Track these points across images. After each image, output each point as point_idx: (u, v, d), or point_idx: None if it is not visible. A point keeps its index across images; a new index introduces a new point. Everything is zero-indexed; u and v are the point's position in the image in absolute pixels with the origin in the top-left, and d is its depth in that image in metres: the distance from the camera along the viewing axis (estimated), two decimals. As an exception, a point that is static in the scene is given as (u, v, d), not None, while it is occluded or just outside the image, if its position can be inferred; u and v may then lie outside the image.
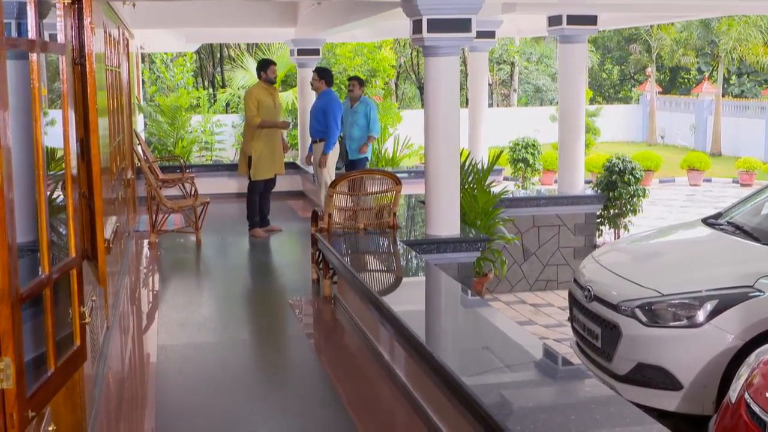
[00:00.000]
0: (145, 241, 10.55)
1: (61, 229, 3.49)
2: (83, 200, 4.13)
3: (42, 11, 3.04)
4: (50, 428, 3.21)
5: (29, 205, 3.10)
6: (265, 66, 10.45)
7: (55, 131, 3.35)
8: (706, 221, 7.16)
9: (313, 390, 5.65)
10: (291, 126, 11.21)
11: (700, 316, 5.64)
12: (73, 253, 3.20)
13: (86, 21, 4.54)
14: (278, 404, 5.38)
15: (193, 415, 5.24)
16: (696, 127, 32.40)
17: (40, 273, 2.89)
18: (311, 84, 11.00)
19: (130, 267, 9.28)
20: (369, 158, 12.22)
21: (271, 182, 10.55)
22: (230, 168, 14.17)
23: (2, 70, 2.42)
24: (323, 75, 10.87)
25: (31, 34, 2.86)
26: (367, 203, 7.91)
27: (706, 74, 36.23)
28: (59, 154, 3.60)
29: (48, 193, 3.18)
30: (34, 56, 2.84)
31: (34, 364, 2.79)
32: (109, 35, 7.94)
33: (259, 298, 8.26)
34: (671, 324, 5.73)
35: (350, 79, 12.45)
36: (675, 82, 42.38)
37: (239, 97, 24.43)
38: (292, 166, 14.22)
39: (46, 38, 3.43)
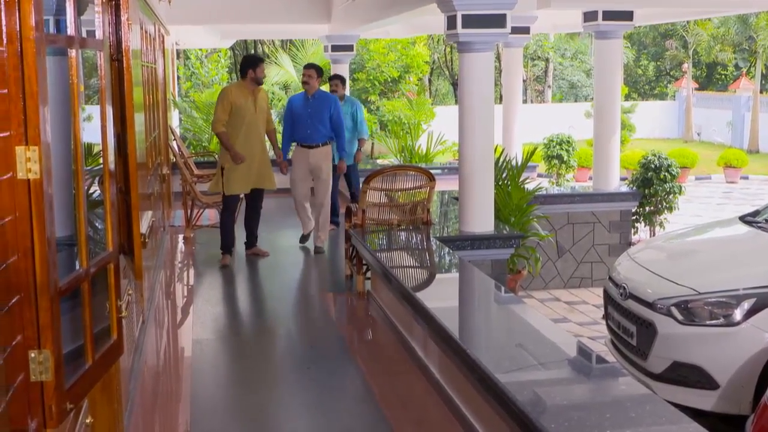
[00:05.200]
0: (180, 236, 10.64)
1: (97, 224, 3.52)
2: (120, 195, 4.17)
3: (80, 7, 3.07)
4: (87, 420, 3.24)
5: (67, 200, 3.13)
6: (254, 63, 8.77)
7: (91, 127, 3.38)
8: (744, 219, 7.08)
9: (346, 385, 5.66)
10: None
11: (737, 314, 5.57)
12: (111, 247, 3.22)
13: (123, 17, 4.59)
14: (311, 399, 5.40)
15: (226, 409, 5.27)
16: (733, 123, 32.04)
17: (77, 267, 2.92)
18: (307, 82, 9.29)
19: (165, 261, 9.35)
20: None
21: (254, 198, 9.03)
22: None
23: (42, 67, 2.44)
24: (322, 74, 9.54)
25: (70, 30, 2.89)
26: (400, 199, 7.91)
27: (744, 70, 35.80)
28: (96, 149, 3.63)
29: (85, 188, 3.21)
30: (73, 52, 2.87)
31: (71, 357, 2.81)
32: (146, 31, 7.99)
33: (292, 294, 8.28)
34: (708, 323, 5.67)
35: (332, 78, 10.95)
36: (712, 78, 41.92)
37: (273, 93, 24.52)
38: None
39: (84, 35, 3.46)
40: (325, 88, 10.27)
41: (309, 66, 9.44)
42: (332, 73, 11.29)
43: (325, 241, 9.52)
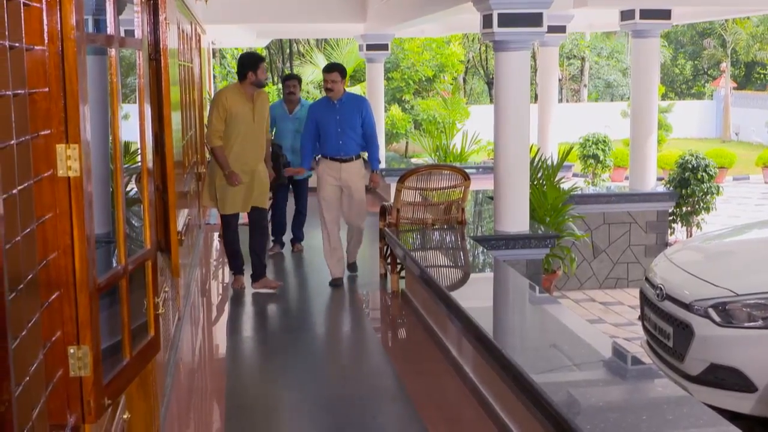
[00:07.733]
0: (215, 234, 10.70)
1: (134, 222, 3.55)
2: (157, 193, 4.21)
3: (119, 7, 3.10)
4: (125, 416, 3.28)
5: (105, 197, 3.16)
6: (254, 63, 7.53)
7: (128, 125, 3.41)
8: (783, 220, 6.99)
9: (380, 384, 5.67)
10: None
11: (776, 317, 5.50)
12: (148, 244, 3.25)
13: (161, 17, 4.63)
14: (346, 398, 5.41)
15: (261, 406, 5.29)
16: (772, 123, 31.63)
17: (115, 264, 2.95)
18: (331, 89, 7.89)
19: (201, 259, 9.42)
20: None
21: (257, 218, 7.90)
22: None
23: (82, 65, 2.47)
24: (346, 74, 8.20)
25: (110, 29, 2.92)
26: (435, 199, 7.90)
27: (784, 69, 35.33)
28: (133, 147, 3.67)
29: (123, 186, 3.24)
30: (112, 51, 2.90)
31: (109, 353, 2.84)
32: (182, 31, 8.05)
33: (327, 293, 8.29)
34: (746, 324, 5.60)
35: (287, 78, 9.69)
36: (750, 77, 41.42)
37: (308, 92, 24.58)
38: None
39: (123, 34, 3.49)
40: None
41: (331, 69, 8.00)
42: (291, 75, 9.94)
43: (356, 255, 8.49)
